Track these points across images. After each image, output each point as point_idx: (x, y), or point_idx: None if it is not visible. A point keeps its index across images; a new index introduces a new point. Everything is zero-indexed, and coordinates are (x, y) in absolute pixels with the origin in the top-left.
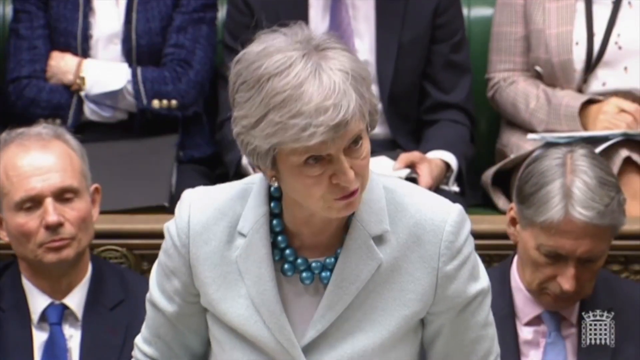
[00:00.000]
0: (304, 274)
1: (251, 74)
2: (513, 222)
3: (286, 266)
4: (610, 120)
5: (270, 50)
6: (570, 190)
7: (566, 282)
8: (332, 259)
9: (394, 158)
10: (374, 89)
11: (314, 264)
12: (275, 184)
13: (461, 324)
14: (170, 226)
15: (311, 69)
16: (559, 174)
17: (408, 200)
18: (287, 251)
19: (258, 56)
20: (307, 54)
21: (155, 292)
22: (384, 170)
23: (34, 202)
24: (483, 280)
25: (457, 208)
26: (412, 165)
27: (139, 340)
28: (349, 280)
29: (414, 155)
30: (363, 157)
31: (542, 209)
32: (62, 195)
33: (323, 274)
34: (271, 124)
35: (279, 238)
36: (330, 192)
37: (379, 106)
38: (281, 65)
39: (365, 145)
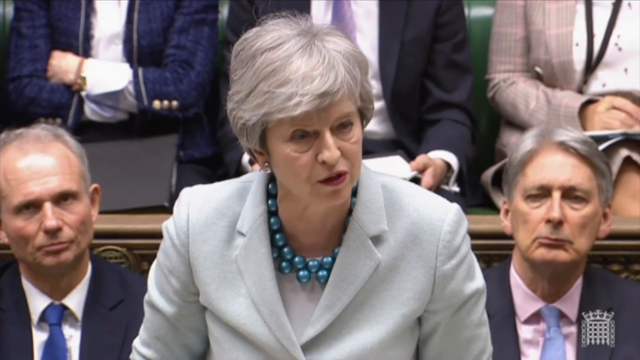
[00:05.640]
0: (301, 273)
1: (247, 51)
2: (506, 213)
3: (283, 264)
4: (603, 120)
5: (267, 30)
6: (546, 128)
7: (553, 210)
8: (330, 258)
9: (397, 157)
10: (376, 86)
11: (311, 263)
12: (269, 170)
13: (456, 323)
14: (169, 225)
15: (303, 44)
16: (533, 136)
17: (406, 200)
18: (285, 249)
19: (255, 35)
20: (302, 35)
21: (154, 293)
22: (396, 170)
23: (32, 206)
24: (479, 280)
25: (455, 207)
26: (423, 169)
27: (137, 343)
28: (347, 280)
29: (426, 158)
30: (353, 141)
31: (520, 150)
32: (61, 199)
33: (320, 273)
34: (260, 94)
35: (277, 236)
36: (317, 173)
37: (381, 103)
38: (275, 41)
39: (356, 132)
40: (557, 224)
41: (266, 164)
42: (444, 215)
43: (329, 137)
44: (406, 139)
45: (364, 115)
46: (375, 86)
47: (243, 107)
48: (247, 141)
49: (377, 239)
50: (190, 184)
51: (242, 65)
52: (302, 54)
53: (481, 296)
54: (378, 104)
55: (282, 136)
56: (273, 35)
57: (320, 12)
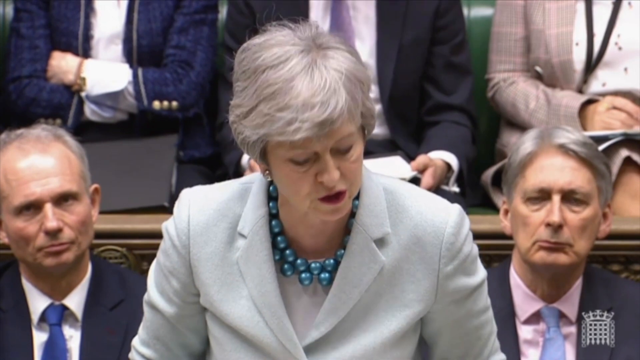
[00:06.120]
0: (303, 275)
1: (250, 64)
2: (505, 213)
3: (286, 266)
4: (603, 120)
5: (272, 43)
6: (545, 129)
7: (552, 214)
8: (332, 261)
9: (397, 158)
10: (374, 89)
11: (313, 265)
12: (269, 178)
13: (464, 314)
14: (169, 226)
15: (305, 65)
16: (532, 138)
17: (408, 202)
18: (287, 251)
19: (259, 47)
20: (306, 51)
21: (153, 293)
22: (396, 170)
23: (33, 207)
24: (481, 272)
25: (456, 208)
26: (423, 169)
27: (136, 342)
28: (352, 284)
29: (426, 158)
30: (352, 160)
31: (519, 152)
32: (62, 200)
33: (322, 275)
34: (260, 115)
35: (279, 238)
36: (316, 191)
37: (379, 107)
38: (277, 59)
39: (357, 150)
40: (557, 228)
41: (267, 172)
42: (447, 216)
43: (328, 160)
44: (403, 142)
45: (365, 129)
46: (372, 89)
47: (243, 123)
48: (248, 153)
49: (380, 242)
50: (191, 184)
51: (244, 77)
52: (303, 77)
53: (484, 284)
54: (376, 107)
55: (282, 156)
56: (276, 52)
57: (318, 18)
